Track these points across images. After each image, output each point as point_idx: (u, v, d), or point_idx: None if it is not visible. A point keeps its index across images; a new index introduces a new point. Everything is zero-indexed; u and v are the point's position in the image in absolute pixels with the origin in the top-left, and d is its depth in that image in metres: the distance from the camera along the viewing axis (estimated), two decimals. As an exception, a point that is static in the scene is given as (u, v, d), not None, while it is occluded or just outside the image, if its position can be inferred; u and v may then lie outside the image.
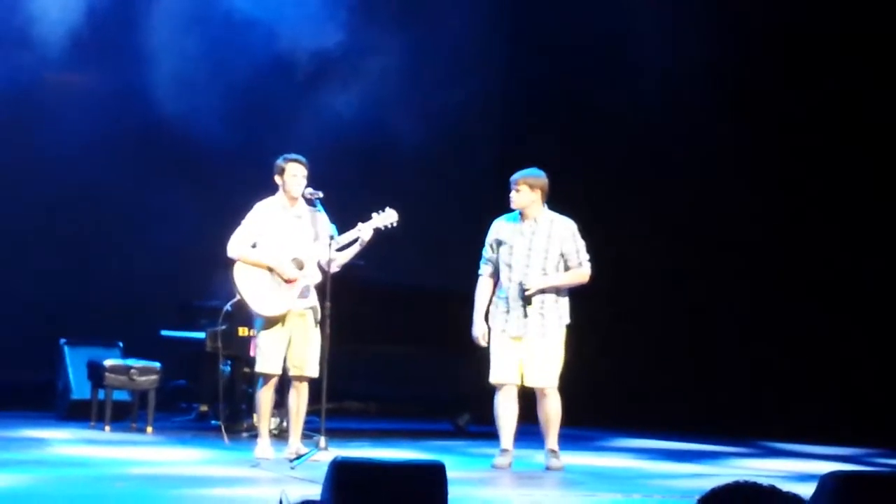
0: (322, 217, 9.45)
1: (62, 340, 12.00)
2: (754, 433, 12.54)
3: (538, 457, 9.79)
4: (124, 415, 11.31)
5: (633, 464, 10.21)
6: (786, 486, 9.18)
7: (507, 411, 9.57)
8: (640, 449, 11.39)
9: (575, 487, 9.06)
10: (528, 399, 9.68)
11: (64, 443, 10.19)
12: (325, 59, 12.99)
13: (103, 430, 11.01)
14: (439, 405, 12.86)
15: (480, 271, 9.70)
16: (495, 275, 9.62)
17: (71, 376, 11.86)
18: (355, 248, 9.46)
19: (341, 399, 12.26)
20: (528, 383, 9.51)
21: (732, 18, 13.29)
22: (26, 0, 12.32)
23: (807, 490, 5.48)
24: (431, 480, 5.75)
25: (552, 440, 9.56)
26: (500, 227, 9.64)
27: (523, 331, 9.43)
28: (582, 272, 9.54)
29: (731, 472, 10.16)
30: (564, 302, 9.53)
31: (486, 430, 12.24)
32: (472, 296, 11.65)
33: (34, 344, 12.17)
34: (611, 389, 12.73)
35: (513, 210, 9.62)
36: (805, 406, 12.74)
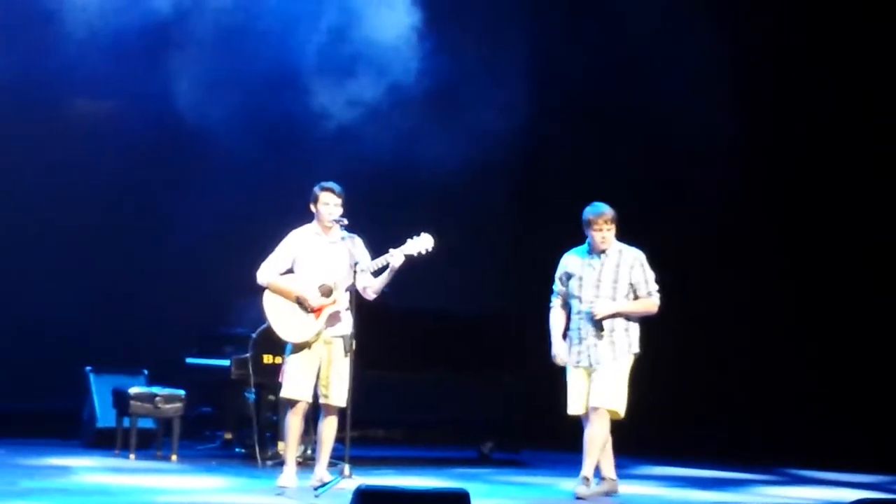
0: (359, 243, 9.46)
1: (87, 368, 12.02)
2: (779, 461, 12.48)
3: (563, 484, 9.77)
4: (149, 443, 11.32)
5: (657, 492, 10.17)
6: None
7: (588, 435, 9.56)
8: (664, 477, 11.35)
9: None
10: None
11: (89, 471, 10.19)
12: (354, 88, 13.04)
13: (128, 458, 11.01)
14: (464, 432, 12.84)
15: (551, 304, 9.77)
16: (566, 306, 9.70)
17: (96, 404, 11.87)
18: (387, 273, 9.44)
19: (366, 426, 12.26)
20: (590, 403, 9.48)
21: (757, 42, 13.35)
22: (54, 15, 12.41)
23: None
24: (455, 509, 5.76)
25: (588, 466, 9.48)
26: (568, 261, 9.71)
27: (595, 360, 9.47)
28: (651, 302, 9.58)
29: (757, 500, 10.13)
30: (635, 330, 9.57)
31: (510, 458, 12.24)
32: (497, 322, 11.70)
33: (59, 372, 12.19)
34: (634, 417, 12.68)
35: (583, 244, 9.65)
36: (830, 433, 12.69)
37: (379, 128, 13.03)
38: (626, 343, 9.50)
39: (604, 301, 9.49)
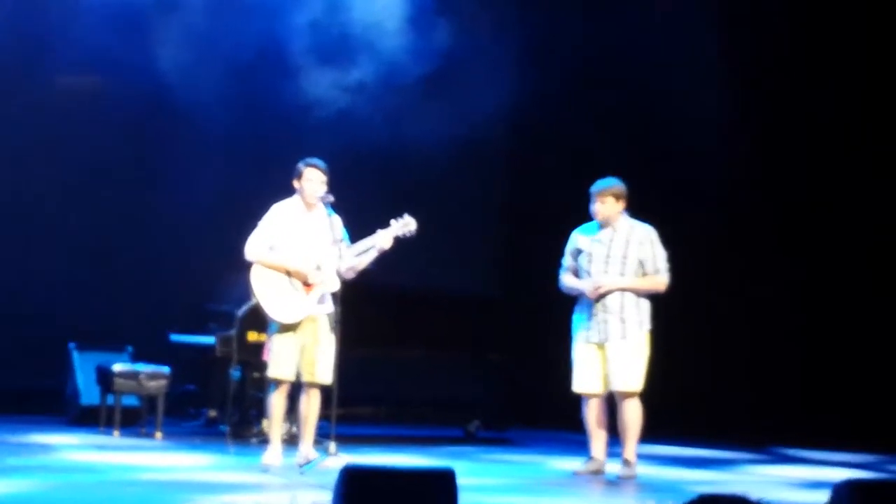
0: (337, 221, 9.40)
1: (71, 345, 11.97)
2: (769, 440, 12.48)
3: (550, 462, 9.73)
4: (133, 420, 11.28)
5: (647, 471, 10.12)
6: (800, 494, 9.17)
7: (594, 420, 9.65)
8: (654, 456, 11.31)
9: (589, 496, 9.01)
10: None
11: (72, 448, 10.15)
12: (345, 68, 12.98)
13: (112, 435, 10.97)
14: (450, 411, 12.82)
15: (560, 275, 9.79)
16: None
17: (80, 381, 11.83)
18: (372, 255, 9.40)
19: (352, 404, 12.22)
20: (610, 388, 9.56)
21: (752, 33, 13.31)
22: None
23: (821, 497, 5.42)
24: (441, 487, 5.72)
25: (628, 449, 9.60)
26: (578, 237, 9.77)
27: (605, 335, 9.50)
28: (658, 279, 9.63)
29: (746, 478, 10.12)
30: (645, 306, 9.61)
31: (496, 437, 12.23)
32: (484, 301, 11.72)
33: (43, 349, 12.13)
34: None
35: (592, 220, 9.70)
36: (820, 412, 12.70)
37: (370, 108, 12.97)
38: (636, 319, 9.53)
39: (611, 276, 9.50)
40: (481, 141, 13.69)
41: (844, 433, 12.20)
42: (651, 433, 11.88)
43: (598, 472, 9.63)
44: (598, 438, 9.67)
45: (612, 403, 9.71)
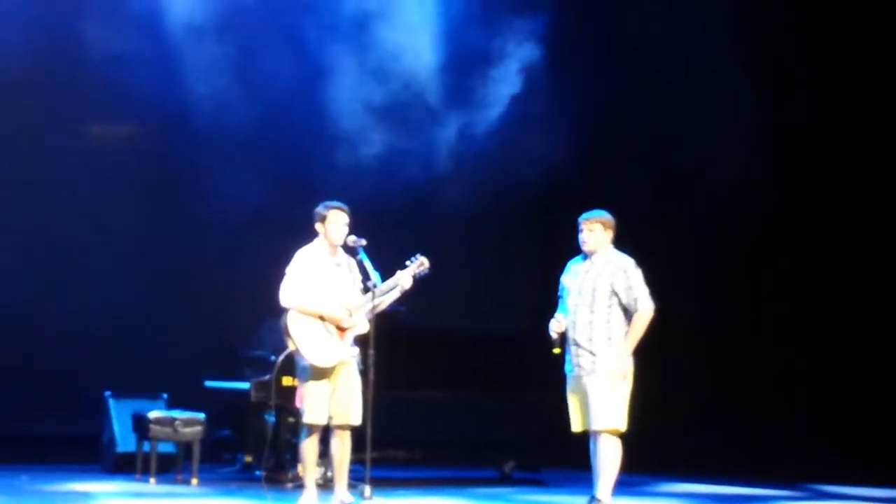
0: (359, 265, 9.40)
1: (107, 393, 12.02)
2: (803, 476, 12.42)
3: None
4: (169, 467, 11.31)
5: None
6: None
7: (595, 459, 9.39)
8: (687, 494, 11.30)
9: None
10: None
11: (110, 496, 10.19)
12: (385, 113, 13.08)
13: (149, 482, 11.01)
14: (484, 452, 12.80)
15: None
16: None
17: (116, 429, 11.87)
18: (394, 295, 9.41)
19: (386, 447, 12.23)
20: (588, 426, 9.32)
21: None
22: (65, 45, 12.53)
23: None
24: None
25: (600, 488, 9.27)
26: (567, 269, 9.58)
27: (578, 370, 9.33)
28: (640, 315, 9.25)
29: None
30: (618, 341, 9.26)
31: (531, 477, 12.21)
32: (515, 341, 11.69)
33: (79, 397, 12.20)
34: (655, 434, 12.63)
35: (582, 251, 9.49)
36: (853, 448, 12.64)
37: (410, 152, 13.07)
38: (607, 353, 9.27)
39: (582, 314, 9.30)
40: (517, 183, 13.72)
41: (877, 468, 12.15)
42: (682, 470, 11.89)
43: None
44: (601, 477, 9.31)
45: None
